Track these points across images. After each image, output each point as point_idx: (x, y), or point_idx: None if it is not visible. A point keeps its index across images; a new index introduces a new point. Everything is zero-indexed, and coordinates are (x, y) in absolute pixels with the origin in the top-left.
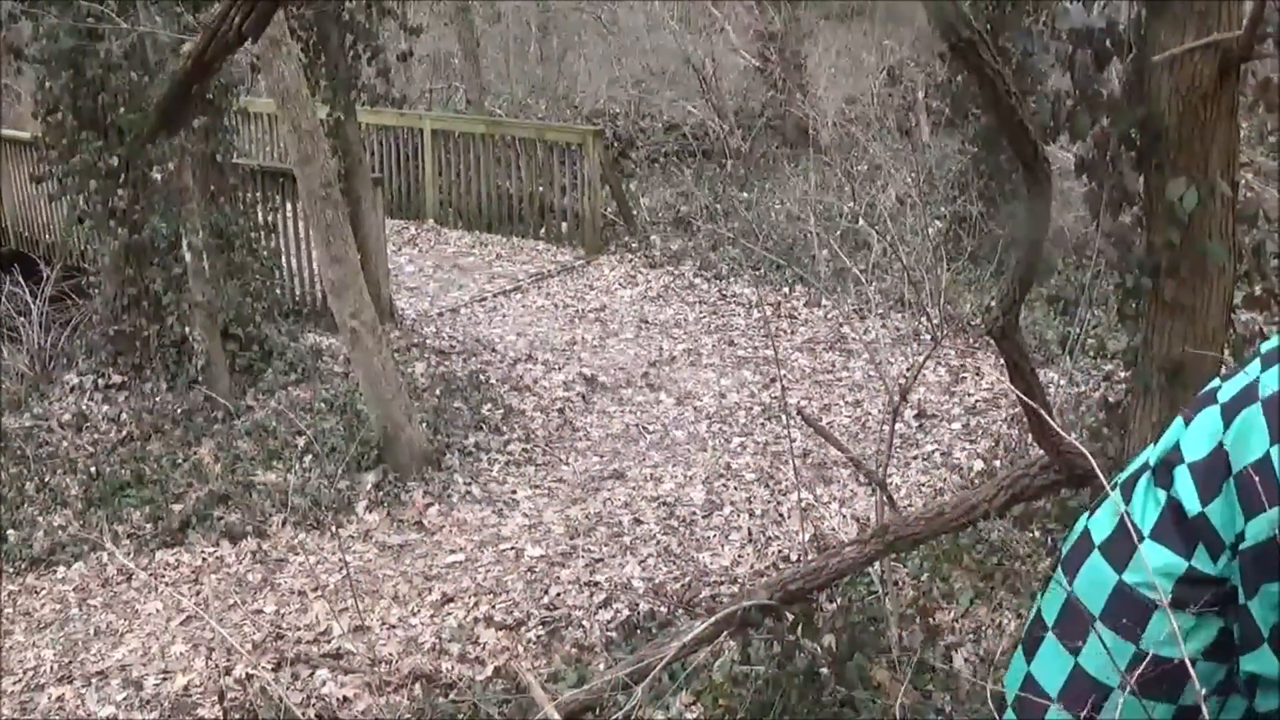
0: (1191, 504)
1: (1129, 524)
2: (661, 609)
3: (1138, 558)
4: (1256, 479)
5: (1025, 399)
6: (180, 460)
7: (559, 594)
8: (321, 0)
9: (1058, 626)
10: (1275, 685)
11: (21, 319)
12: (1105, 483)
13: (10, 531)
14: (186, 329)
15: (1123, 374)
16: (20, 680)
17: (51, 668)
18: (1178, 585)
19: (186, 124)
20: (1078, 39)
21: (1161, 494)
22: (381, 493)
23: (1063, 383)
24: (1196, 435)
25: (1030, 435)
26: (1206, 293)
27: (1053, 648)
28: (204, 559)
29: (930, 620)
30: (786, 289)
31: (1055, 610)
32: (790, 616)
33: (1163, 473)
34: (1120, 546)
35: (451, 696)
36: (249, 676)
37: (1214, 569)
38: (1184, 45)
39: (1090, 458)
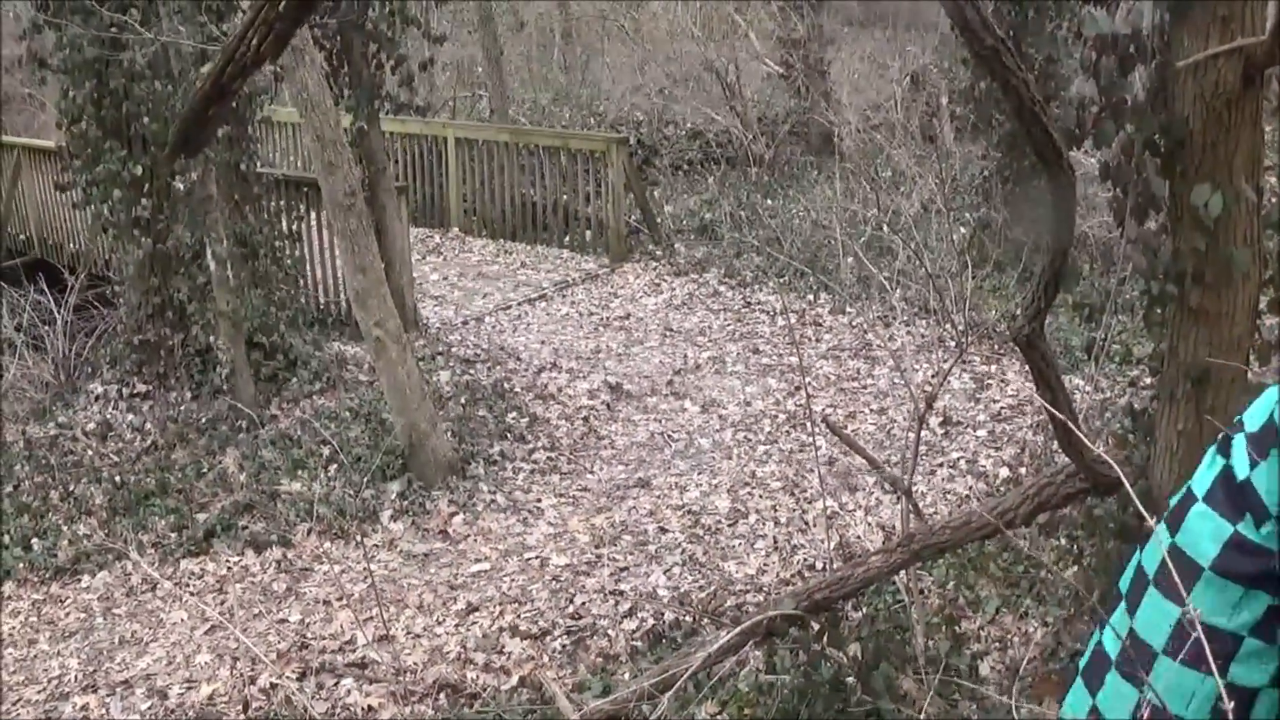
0: (1241, 470)
1: (1172, 561)
2: (687, 618)
3: (1197, 585)
4: None
5: (1051, 407)
6: (205, 469)
7: (584, 603)
8: (344, 10)
9: (1122, 661)
10: None
11: (46, 328)
12: (1131, 491)
13: (35, 540)
14: (211, 338)
15: (1148, 380)
16: (45, 689)
17: (76, 677)
18: (1224, 551)
19: (206, 144)
20: (1102, 45)
21: (1220, 461)
22: (406, 501)
23: (1087, 389)
24: (1258, 409)
25: (1056, 443)
26: (1231, 299)
27: (1116, 682)
28: (229, 568)
29: (956, 629)
30: (811, 296)
31: (1118, 645)
32: (816, 626)
33: (1225, 443)
34: (1172, 579)
35: (476, 706)
36: (274, 686)
37: (1257, 537)
38: (1207, 51)
39: (1117, 467)
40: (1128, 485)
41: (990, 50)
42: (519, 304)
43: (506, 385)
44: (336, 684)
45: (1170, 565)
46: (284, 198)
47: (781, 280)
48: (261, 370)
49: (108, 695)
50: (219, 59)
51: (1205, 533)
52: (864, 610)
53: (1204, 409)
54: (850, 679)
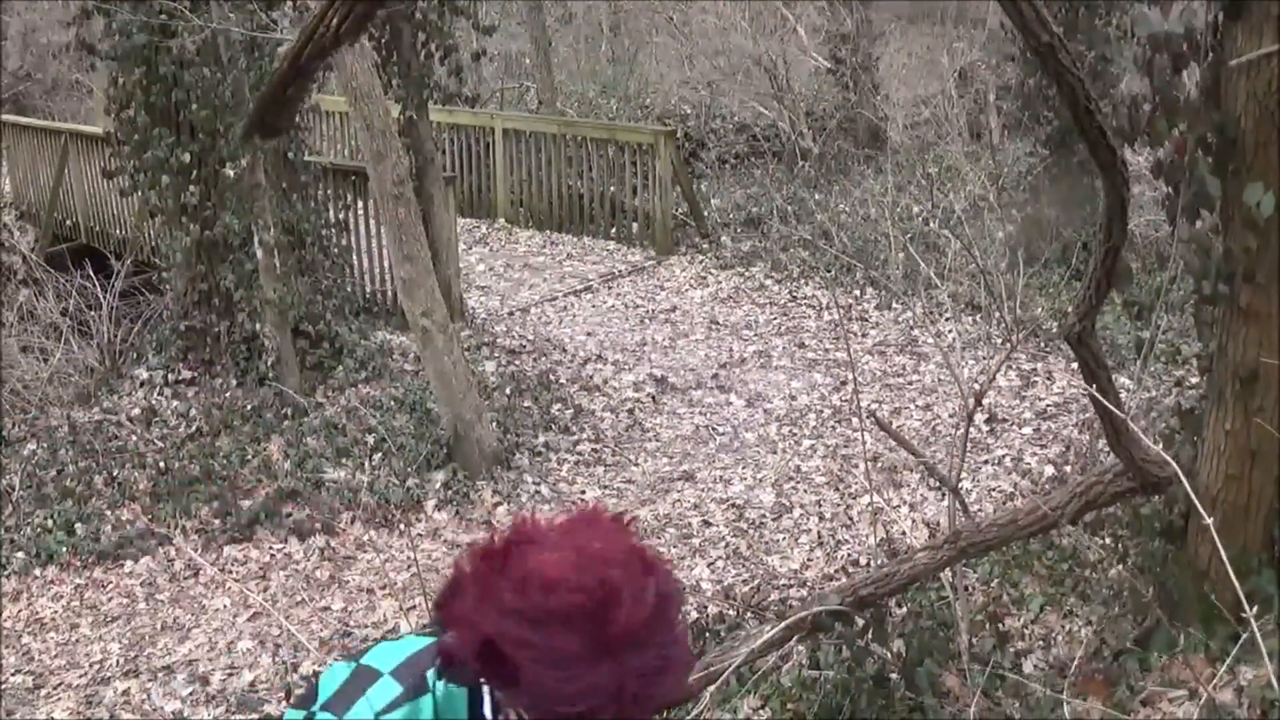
0: None
1: None
2: (730, 612)
3: None
4: None
5: (1102, 404)
6: (249, 456)
7: None
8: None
9: None
10: None
11: (92, 313)
12: (1189, 489)
13: (78, 525)
14: (257, 325)
15: (1195, 379)
16: (86, 674)
17: (118, 661)
18: None
19: (286, 128)
20: (1155, 43)
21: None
22: (450, 491)
23: (1133, 388)
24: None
25: (1101, 441)
26: None
27: None
28: (272, 555)
29: (1000, 626)
30: (857, 291)
31: None
32: (860, 621)
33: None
34: None
35: None
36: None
37: None
38: (1261, 50)
39: (1173, 463)
40: (1185, 483)
41: (1046, 47)
42: (565, 295)
43: (552, 376)
44: None
45: None
46: (332, 186)
47: (828, 275)
48: (307, 358)
49: (149, 680)
50: (298, 39)
51: None
52: (908, 606)
53: (1252, 409)
54: (894, 675)
